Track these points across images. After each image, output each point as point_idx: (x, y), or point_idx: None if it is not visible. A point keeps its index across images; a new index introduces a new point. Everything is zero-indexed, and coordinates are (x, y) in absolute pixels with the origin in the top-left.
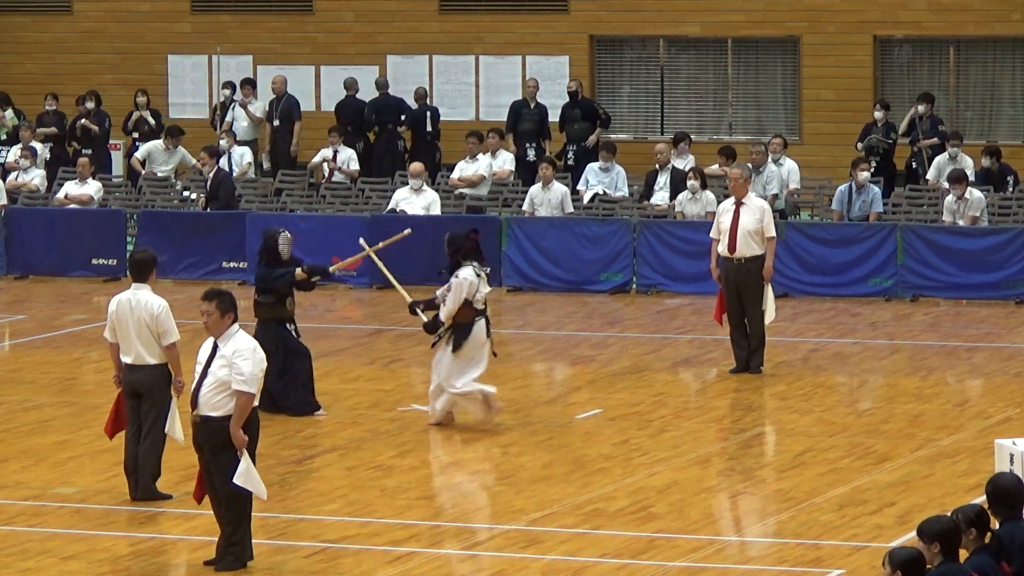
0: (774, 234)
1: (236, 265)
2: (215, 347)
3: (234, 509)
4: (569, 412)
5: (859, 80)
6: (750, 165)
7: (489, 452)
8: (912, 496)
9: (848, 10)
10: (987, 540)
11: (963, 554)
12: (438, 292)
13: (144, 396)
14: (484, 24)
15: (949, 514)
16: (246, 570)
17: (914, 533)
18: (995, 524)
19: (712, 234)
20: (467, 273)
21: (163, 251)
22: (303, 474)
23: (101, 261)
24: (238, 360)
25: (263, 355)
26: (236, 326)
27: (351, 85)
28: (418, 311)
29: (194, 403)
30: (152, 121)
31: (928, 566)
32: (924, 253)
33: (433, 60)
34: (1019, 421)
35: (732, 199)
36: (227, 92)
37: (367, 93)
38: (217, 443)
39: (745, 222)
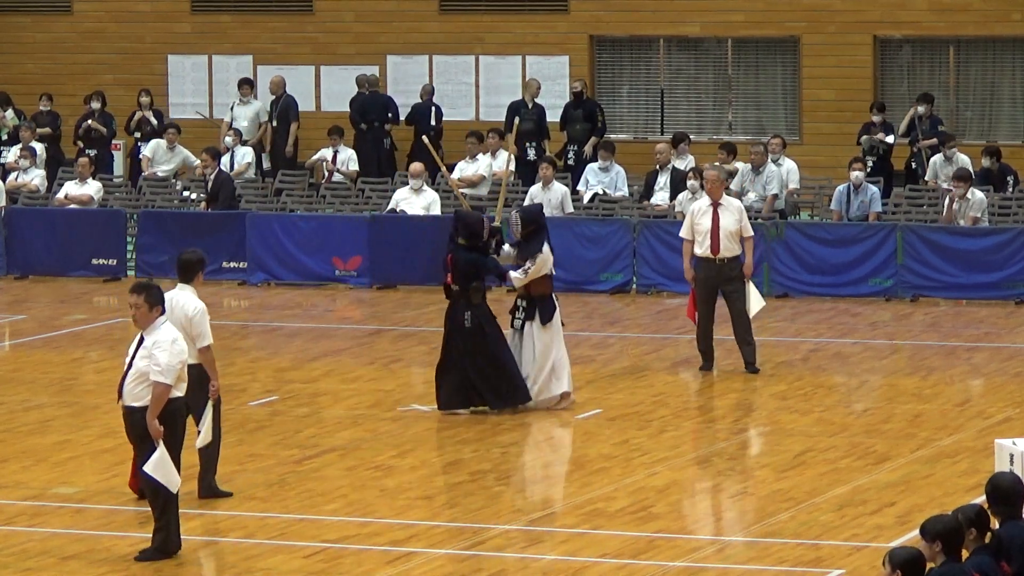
0: (752, 233)
1: (236, 265)
2: (141, 339)
3: (157, 499)
4: (569, 412)
5: (859, 80)
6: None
7: (489, 452)
8: (912, 496)
9: (848, 10)
10: (987, 540)
11: (963, 554)
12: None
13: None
14: (484, 24)
15: (952, 513)
16: (244, 569)
17: (914, 533)
18: (995, 524)
19: (684, 235)
20: (547, 249)
21: (163, 251)
22: (303, 474)
23: (101, 261)
24: (156, 351)
25: (183, 347)
26: (163, 318)
27: (363, 83)
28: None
29: (120, 394)
30: (155, 121)
31: (930, 565)
32: (924, 253)
33: (433, 60)
34: (1019, 421)
35: (706, 200)
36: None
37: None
38: (140, 433)
39: (726, 223)
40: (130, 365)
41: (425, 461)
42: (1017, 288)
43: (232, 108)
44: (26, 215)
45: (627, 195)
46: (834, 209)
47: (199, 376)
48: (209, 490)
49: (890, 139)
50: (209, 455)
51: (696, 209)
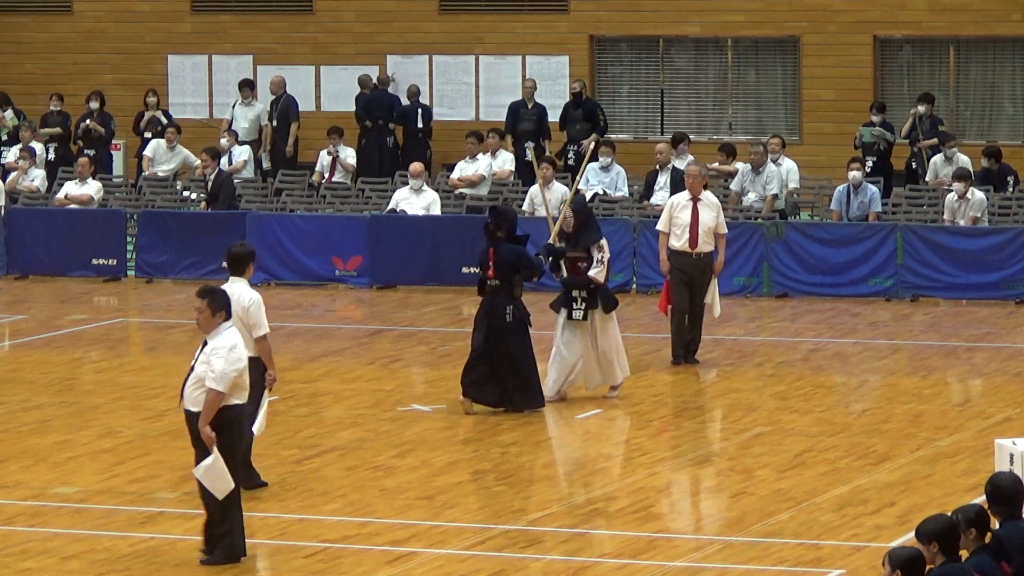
0: (726, 231)
1: None
2: (204, 344)
3: (216, 503)
4: (569, 412)
5: (859, 80)
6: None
7: (489, 452)
8: (912, 496)
9: (848, 10)
10: (987, 540)
11: (963, 554)
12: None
13: None
14: (484, 24)
15: (949, 514)
16: (245, 568)
17: (914, 533)
18: (994, 524)
19: (661, 227)
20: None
21: (163, 251)
22: (303, 474)
23: (101, 261)
24: (212, 357)
25: (241, 355)
26: (227, 323)
27: (367, 82)
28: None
29: (181, 396)
30: (164, 121)
31: (929, 566)
32: (924, 253)
33: (433, 60)
34: (1019, 421)
35: (686, 195)
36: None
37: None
38: (196, 437)
39: (705, 219)
40: (191, 369)
41: (425, 461)
42: (1017, 288)
43: (233, 107)
44: (26, 215)
45: (627, 195)
46: (834, 209)
47: (256, 366)
48: (248, 480)
49: (890, 136)
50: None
51: (676, 203)
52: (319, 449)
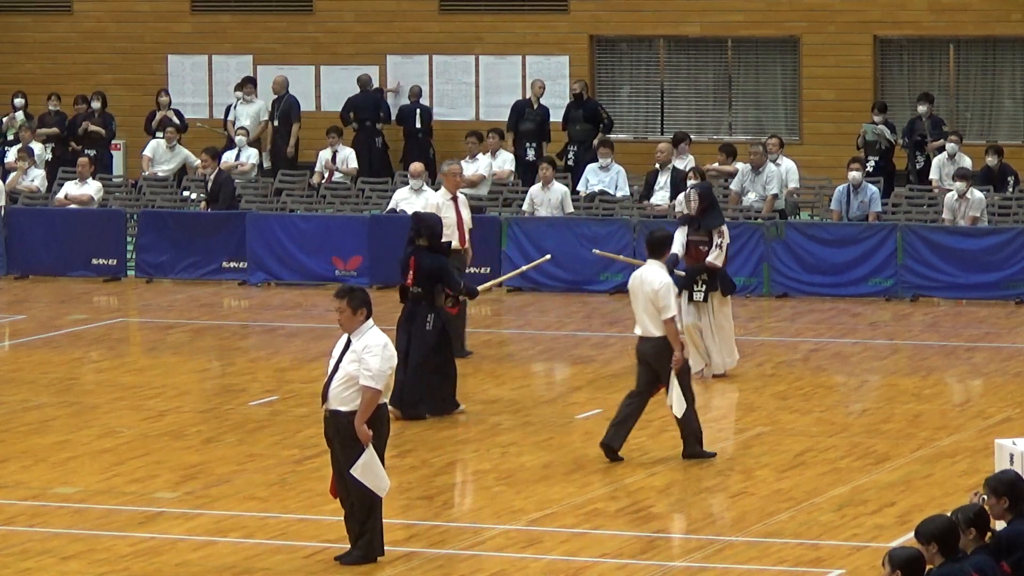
0: (471, 225)
1: (236, 265)
2: (348, 342)
3: (363, 502)
4: (569, 412)
5: (859, 80)
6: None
7: (489, 452)
8: (912, 496)
9: (848, 10)
10: (987, 540)
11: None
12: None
13: (652, 365)
14: (484, 24)
15: (949, 514)
16: (244, 569)
17: (914, 533)
18: (995, 525)
19: None
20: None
21: (163, 251)
22: (303, 474)
23: (101, 261)
24: (367, 356)
25: (393, 352)
26: (370, 322)
27: (366, 82)
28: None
29: (324, 397)
30: (177, 121)
31: (929, 566)
32: (924, 253)
33: (433, 60)
34: (1019, 421)
35: (445, 194)
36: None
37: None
38: (345, 437)
39: (466, 217)
40: (336, 368)
41: (425, 461)
42: (1017, 288)
43: (235, 107)
44: (26, 215)
45: (628, 195)
46: (834, 209)
47: (665, 346)
48: (692, 455)
49: (891, 136)
50: (686, 423)
51: (439, 203)
52: (319, 449)
